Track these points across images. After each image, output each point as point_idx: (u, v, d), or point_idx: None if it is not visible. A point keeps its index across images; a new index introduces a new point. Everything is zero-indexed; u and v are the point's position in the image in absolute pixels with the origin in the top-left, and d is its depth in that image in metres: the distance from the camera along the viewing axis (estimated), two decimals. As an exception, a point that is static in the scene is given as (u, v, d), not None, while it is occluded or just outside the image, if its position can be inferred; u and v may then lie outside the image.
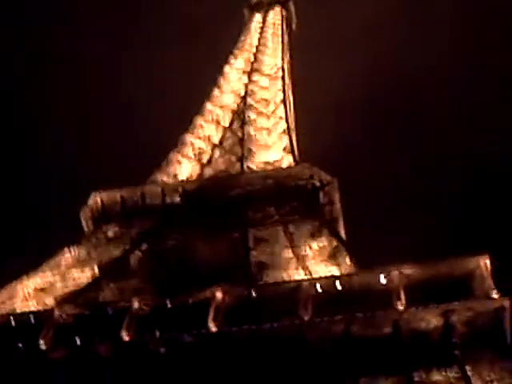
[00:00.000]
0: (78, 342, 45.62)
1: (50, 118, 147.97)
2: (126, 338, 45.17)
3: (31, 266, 65.00)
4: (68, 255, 66.12)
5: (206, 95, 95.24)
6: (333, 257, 59.24)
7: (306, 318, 43.86)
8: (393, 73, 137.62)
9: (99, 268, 64.10)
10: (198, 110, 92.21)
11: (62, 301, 55.55)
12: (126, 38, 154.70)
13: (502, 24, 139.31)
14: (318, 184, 70.68)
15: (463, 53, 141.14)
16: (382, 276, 45.20)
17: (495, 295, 42.22)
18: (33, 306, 58.47)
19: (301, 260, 60.15)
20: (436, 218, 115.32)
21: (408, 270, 45.32)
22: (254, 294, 46.68)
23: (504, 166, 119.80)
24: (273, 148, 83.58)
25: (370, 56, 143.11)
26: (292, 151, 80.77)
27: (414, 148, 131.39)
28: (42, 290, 60.42)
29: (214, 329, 44.50)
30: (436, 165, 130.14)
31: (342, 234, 69.98)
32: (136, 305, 47.27)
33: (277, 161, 79.68)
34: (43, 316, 48.14)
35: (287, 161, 79.11)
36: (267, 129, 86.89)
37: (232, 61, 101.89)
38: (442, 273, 44.56)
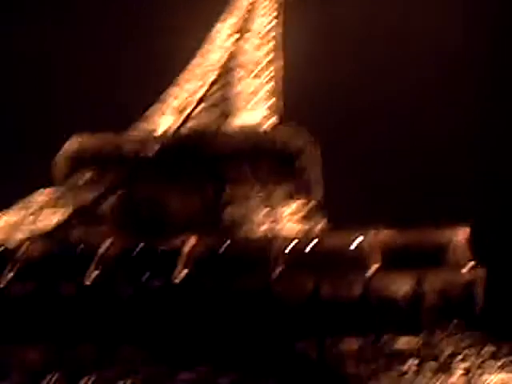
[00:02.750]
0: (41, 280, 44.70)
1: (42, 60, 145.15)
2: (90, 280, 44.29)
3: (4, 203, 63.79)
4: (42, 195, 64.84)
5: (196, 51, 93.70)
6: (308, 218, 58.36)
7: (276, 274, 43.22)
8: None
9: (71, 210, 62.86)
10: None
11: (32, 239, 54.22)
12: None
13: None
14: (297, 146, 69.57)
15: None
16: (357, 237, 44.51)
17: (470, 267, 41.71)
18: (2, 241, 57.15)
19: (275, 219, 59.24)
20: (420, 186, 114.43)
21: (384, 234, 44.66)
22: (225, 246, 45.89)
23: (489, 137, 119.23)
24: (258, 108, 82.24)
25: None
26: (277, 112, 79.54)
27: (395, 112, 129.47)
28: (13, 226, 59.12)
29: (182, 276, 43.74)
30: (420, 132, 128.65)
31: (320, 195, 69.04)
32: (105, 246, 46.34)
33: (260, 121, 78.46)
34: (8, 252, 47.08)
35: (271, 121, 77.91)
36: (254, 88, 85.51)
37: (224, 18, 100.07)
38: (419, 240, 43.94)
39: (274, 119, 78.65)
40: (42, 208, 63.10)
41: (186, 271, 43.97)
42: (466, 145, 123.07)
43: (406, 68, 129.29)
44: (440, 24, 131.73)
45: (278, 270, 43.51)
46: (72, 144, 71.88)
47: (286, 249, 45.15)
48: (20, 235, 56.61)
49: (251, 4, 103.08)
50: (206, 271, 44.19)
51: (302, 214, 59.05)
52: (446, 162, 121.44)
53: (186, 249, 44.98)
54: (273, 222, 57.44)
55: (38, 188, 66.75)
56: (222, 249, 45.30)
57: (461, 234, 43.78)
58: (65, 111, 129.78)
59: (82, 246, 47.56)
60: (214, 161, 67.73)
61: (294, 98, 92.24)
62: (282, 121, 79.29)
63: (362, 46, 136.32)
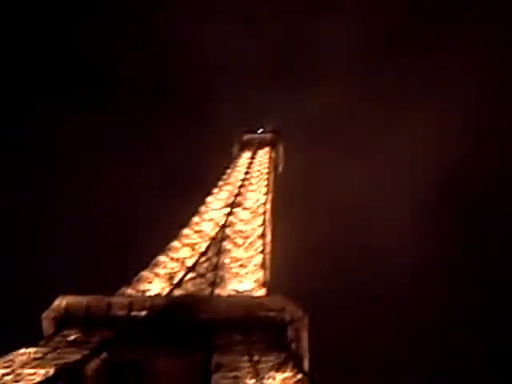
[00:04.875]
0: None
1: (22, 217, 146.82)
2: None
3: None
4: (24, 354, 63.63)
5: (185, 221, 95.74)
6: (297, 390, 57.44)
7: None
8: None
9: (55, 371, 61.51)
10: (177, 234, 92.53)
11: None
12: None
13: None
14: (288, 318, 69.70)
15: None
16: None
17: None
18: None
19: (263, 390, 58.25)
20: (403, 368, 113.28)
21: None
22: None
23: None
24: (246, 279, 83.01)
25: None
26: (265, 285, 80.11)
27: (393, 286, 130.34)
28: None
29: None
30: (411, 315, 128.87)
31: (306, 368, 68.25)
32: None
33: (248, 291, 78.92)
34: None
35: (259, 293, 78.34)
36: (242, 260, 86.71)
37: (215, 191, 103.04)
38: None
39: (262, 291, 79.19)
40: (22, 367, 61.76)
41: None
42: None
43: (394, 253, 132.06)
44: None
45: None
46: (58, 303, 71.61)
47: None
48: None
49: (243, 180, 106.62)
50: None
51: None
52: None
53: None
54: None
55: (20, 347, 65.70)
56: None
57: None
58: (52, 270, 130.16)
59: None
60: (204, 326, 67.45)
61: (280, 272, 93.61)
62: (268, 294, 79.84)
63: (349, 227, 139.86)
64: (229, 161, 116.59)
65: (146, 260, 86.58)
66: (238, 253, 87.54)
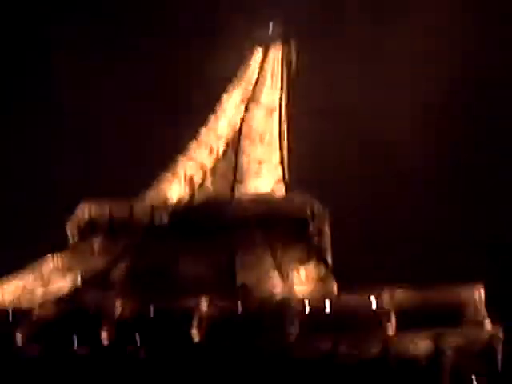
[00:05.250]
0: (55, 341, 44.28)
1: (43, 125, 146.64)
2: (106, 342, 43.87)
3: (12, 270, 63.46)
4: (50, 262, 64.65)
5: (203, 122, 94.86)
6: (320, 283, 58.10)
7: (293, 335, 42.83)
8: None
9: (81, 278, 62.60)
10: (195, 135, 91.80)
11: (44, 301, 53.82)
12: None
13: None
14: (308, 213, 69.87)
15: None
16: (372, 298, 44.29)
17: (488, 324, 41.45)
18: (14, 304, 56.70)
19: (287, 284, 59.00)
20: (431, 244, 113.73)
21: (400, 294, 44.52)
22: (240, 307, 45.61)
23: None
24: (265, 178, 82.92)
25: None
26: (284, 181, 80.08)
27: (407, 179, 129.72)
28: (24, 289, 58.82)
29: (196, 339, 43.33)
30: (432, 190, 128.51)
31: (330, 260, 68.98)
32: (118, 309, 46.07)
33: (268, 189, 78.99)
34: (22, 313, 46.78)
35: (279, 191, 78.40)
36: (260, 159, 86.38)
37: (230, 89, 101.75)
38: (434, 299, 43.76)
39: (281, 188, 79.20)
40: (51, 273, 62.92)
41: (200, 332, 43.54)
42: (476, 203, 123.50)
43: (412, 139, 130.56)
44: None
45: (295, 332, 43.12)
46: (82, 210, 72.12)
47: (301, 311, 44.90)
48: (31, 298, 56.28)
49: (259, 76, 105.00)
50: (220, 333, 43.76)
51: (314, 277, 58.84)
52: (454, 221, 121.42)
53: (200, 308, 44.67)
54: (286, 285, 57.18)
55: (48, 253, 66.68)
56: (237, 311, 45.02)
57: (477, 292, 43.68)
58: (75, 176, 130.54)
59: (94, 308, 47.36)
60: (226, 228, 67.79)
61: (300, 169, 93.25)
62: (288, 190, 79.85)
63: (365, 123, 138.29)
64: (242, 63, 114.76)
65: (166, 163, 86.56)
66: (255, 151, 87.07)
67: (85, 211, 72.01)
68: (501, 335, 40.38)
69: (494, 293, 45.75)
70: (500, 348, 40.24)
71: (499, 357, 40.09)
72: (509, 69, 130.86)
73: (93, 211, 72.37)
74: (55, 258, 65.16)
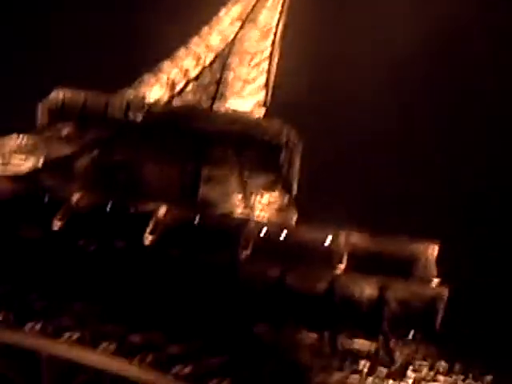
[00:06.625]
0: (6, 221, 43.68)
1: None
2: (56, 227, 43.41)
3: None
4: (14, 140, 63.52)
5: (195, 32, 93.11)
6: (281, 212, 58.00)
7: (243, 257, 42.78)
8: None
9: (44, 162, 61.65)
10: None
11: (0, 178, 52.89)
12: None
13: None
14: (283, 141, 69.33)
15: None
16: (328, 235, 44.28)
17: (435, 283, 41.73)
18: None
19: (249, 207, 58.81)
20: (394, 196, 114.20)
21: (355, 237, 44.54)
22: (197, 219, 45.32)
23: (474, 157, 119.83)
24: (246, 99, 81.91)
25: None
26: (265, 105, 79.24)
27: (380, 120, 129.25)
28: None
29: (148, 242, 43.08)
30: (400, 142, 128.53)
31: (295, 192, 68.89)
32: (75, 198, 45.48)
33: (248, 110, 78.10)
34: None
35: (259, 113, 77.58)
36: (246, 79, 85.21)
37: (229, 5, 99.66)
38: (388, 248, 43.84)
39: (261, 111, 78.40)
40: (13, 152, 61.86)
41: (153, 237, 43.28)
42: (441, 161, 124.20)
43: (396, 74, 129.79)
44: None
45: (247, 252, 43.08)
46: (56, 94, 70.74)
47: (258, 234, 44.76)
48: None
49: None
50: (173, 240, 43.56)
51: (276, 205, 58.72)
52: (421, 175, 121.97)
53: (158, 214, 44.32)
54: (247, 207, 57.01)
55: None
56: (194, 221, 44.75)
57: (430, 250, 43.85)
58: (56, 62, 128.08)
59: (51, 193, 46.69)
60: (199, 138, 67.07)
61: (281, 96, 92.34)
62: (267, 115, 79.16)
63: (357, 49, 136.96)
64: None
65: (150, 65, 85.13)
66: (242, 70, 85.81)
67: (59, 96, 70.67)
68: (445, 295, 40.61)
69: (449, 254, 45.99)
70: (442, 307, 40.55)
71: (439, 316, 40.44)
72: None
73: (67, 97, 71.06)
74: (20, 138, 64.03)
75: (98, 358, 37.63)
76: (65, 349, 38.35)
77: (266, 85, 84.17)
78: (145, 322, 38.60)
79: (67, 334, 38.45)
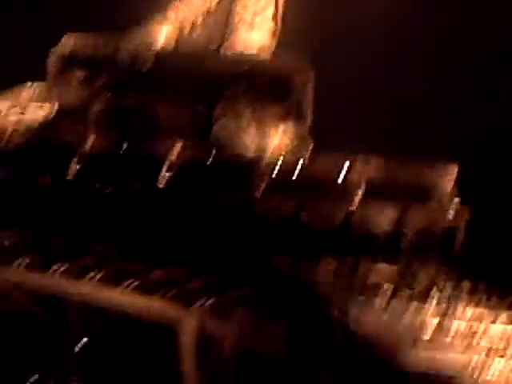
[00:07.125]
0: (22, 168, 44.04)
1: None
2: (73, 172, 43.68)
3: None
4: (29, 89, 63.59)
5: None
6: (296, 141, 57.60)
7: (259, 192, 42.85)
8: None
9: (58, 108, 61.70)
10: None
11: (15, 131, 53.09)
12: None
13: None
14: (294, 72, 68.54)
15: None
16: (344, 163, 43.93)
17: (455, 205, 41.42)
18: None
19: (263, 141, 58.60)
20: (411, 120, 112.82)
21: (371, 166, 44.10)
22: (212, 156, 45.40)
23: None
24: (257, 31, 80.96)
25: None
26: (275, 36, 78.29)
27: (392, 45, 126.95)
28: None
29: (163, 181, 43.29)
30: (417, 66, 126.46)
31: (309, 121, 68.40)
32: (89, 143, 45.64)
33: (259, 44, 77.23)
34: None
35: (270, 45, 76.69)
36: (255, 10, 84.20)
37: None
38: (406, 173, 43.34)
39: (273, 43, 77.51)
40: (28, 101, 61.97)
41: (168, 175, 43.44)
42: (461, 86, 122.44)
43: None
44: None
45: (262, 188, 43.12)
46: (66, 43, 70.28)
47: (272, 169, 44.77)
48: (4, 124, 55.45)
49: None
50: (189, 179, 43.69)
51: (291, 136, 58.40)
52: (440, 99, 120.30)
53: (172, 154, 44.39)
54: (262, 142, 56.77)
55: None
56: (209, 159, 44.80)
57: (449, 173, 43.36)
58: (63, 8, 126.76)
59: (65, 140, 46.90)
60: (209, 80, 66.59)
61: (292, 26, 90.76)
62: (278, 45, 78.20)
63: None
64: None
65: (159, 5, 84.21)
66: (251, 1, 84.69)
67: (70, 42, 70.21)
68: (464, 217, 40.37)
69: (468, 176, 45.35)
70: (461, 230, 40.30)
71: (459, 238, 40.19)
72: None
73: (77, 43, 70.59)
74: (33, 87, 64.07)
75: (121, 296, 38.38)
76: (89, 288, 39.18)
77: (275, 15, 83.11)
78: (165, 259, 39.16)
79: (90, 274, 39.31)
